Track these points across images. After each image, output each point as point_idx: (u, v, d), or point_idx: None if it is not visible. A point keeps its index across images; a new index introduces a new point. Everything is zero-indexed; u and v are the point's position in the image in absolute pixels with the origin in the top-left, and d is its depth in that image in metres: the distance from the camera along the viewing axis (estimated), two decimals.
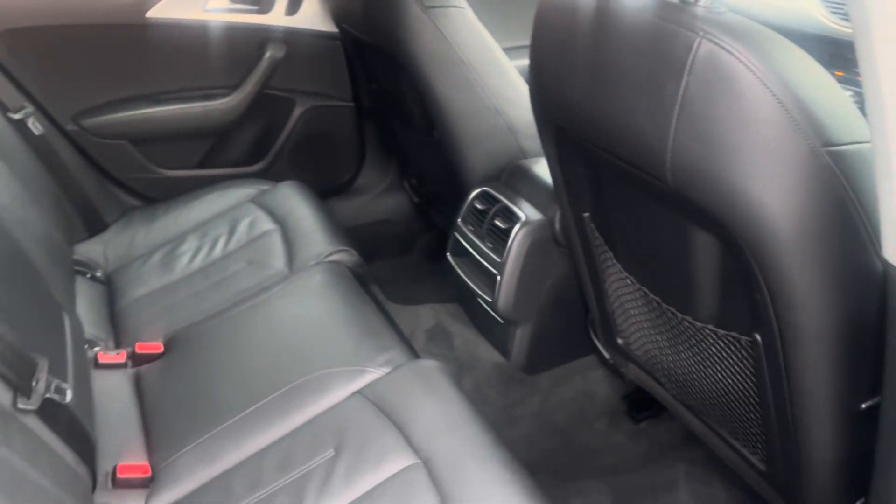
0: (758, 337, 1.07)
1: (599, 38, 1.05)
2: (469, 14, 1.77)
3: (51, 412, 1.20)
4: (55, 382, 1.22)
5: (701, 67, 0.89)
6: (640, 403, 1.81)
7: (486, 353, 1.83)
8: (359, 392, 1.41)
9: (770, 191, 0.89)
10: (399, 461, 1.25)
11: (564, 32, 1.13)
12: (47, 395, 1.18)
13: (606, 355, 1.63)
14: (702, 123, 0.91)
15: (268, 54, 2.26)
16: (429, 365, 1.45)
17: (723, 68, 0.87)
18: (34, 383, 1.17)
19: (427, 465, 1.23)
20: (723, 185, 0.92)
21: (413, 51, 1.71)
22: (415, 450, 1.26)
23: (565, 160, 1.35)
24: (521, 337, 1.73)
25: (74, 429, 1.25)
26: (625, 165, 1.10)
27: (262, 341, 1.59)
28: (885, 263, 0.78)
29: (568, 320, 1.70)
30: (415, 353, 1.54)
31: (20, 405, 1.13)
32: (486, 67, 1.73)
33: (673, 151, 0.96)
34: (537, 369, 1.81)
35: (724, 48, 0.87)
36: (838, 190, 0.87)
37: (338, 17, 2.13)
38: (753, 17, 0.94)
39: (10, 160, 1.83)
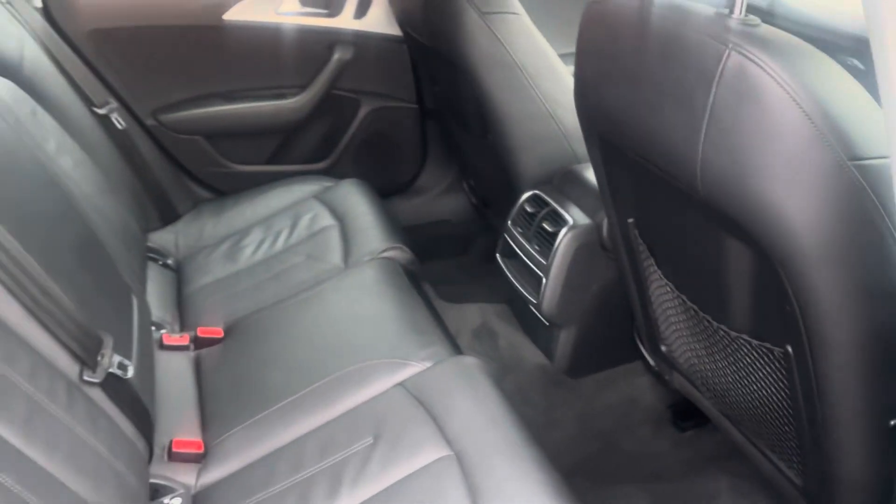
0: (789, 348, 1.07)
1: (636, 48, 1.07)
2: (525, 20, 1.80)
3: (113, 386, 1.29)
4: (119, 359, 1.31)
5: (730, 79, 0.90)
6: (686, 413, 1.80)
7: (531, 354, 1.85)
8: (400, 384, 1.46)
9: (796, 202, 0.89)
10: (433, 452, 1.29)
11: (606, 41, 1.15)
12: (111, 370, 1.28)
13: (651, 362, 1.63)
14: (730, 134, 0.92)
15: (336, 56, 2.34)
16: (469, 362, 1.49)
17: (751, 80, 0.88)
18: (99, 358, 1.27)
19: (459, 457, 1.27)
20: (749, 196, 0.93)
21: (470, 55, 1.76)
22: (449, 442, 1.30)
23: (610, 166, 1.36)
24: (564, 339, 1.75)
25: (135, 403, 1.35)
26: (660, 173, 1.11)
27: (313, 332, 1.67)
28: None
29: (613, 325, 1.71)
30: (458, 350, 1.58)
31: (85, 377, 1.23)
32: (540, 73, 1.76)
33: (702, 161, 0.97)
34: (581, 373, 1.83)
35: (752, 60, 0.88)
36: (865, 203, 0.86)
37: (402, 22, 2.19)
38: (806, 20, 0.94)
39: (93, 152, 1.97)
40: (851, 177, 0.86)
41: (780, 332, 1.07)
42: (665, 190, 1.16)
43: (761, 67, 0.87)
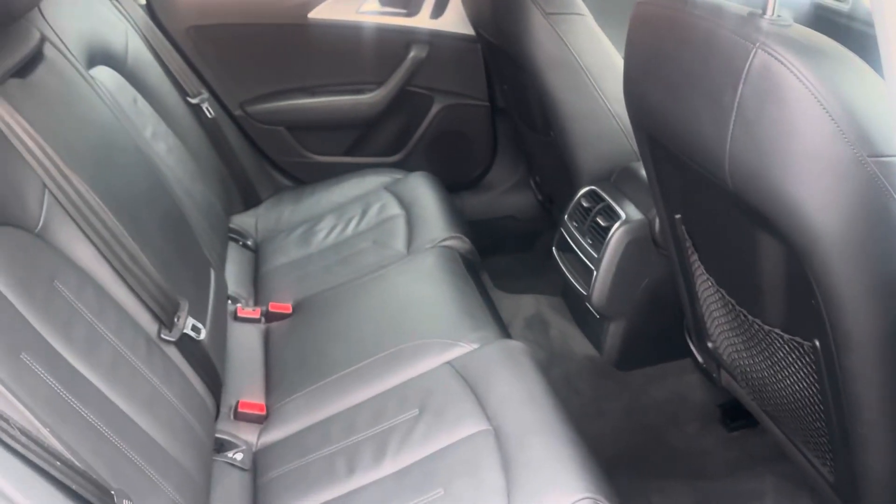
0: (816, 343, 1.09)
1: (676, 46, 1.11)
2: (590, 21, 1.85)
3: (187, 346, 1.43)
4: (193, 322, 1.46)
5: (755, 77, 0.94)
6: (736, 413, 1.81)
7: (581, 345, 1.90)
8: (448, 363, 1.54)
9: (816, 197, 0.93)
10: (472, 426, 1.37)
11: (651, 39, 1.20)
12: (185, 331, 1.42)
13: (700, 359, 1.66)
14: (755, 130, 0.96)
15: (412, 54, 2.45)
16: (515, 345, 1.56)
17: (775, 78, 0.92)
18: (176, 319, 1.41)
19: (497, 432, 1.35)
20: (773, 190, 0.97)
21: (534, 55, 1.82)
22: (488, 418, 1.38)
23: (657, 162, 1.41)
24: (614, 332, 1.79)
25: (206, 364, 1.49)
26: (697, 167, 1.16)
27: (372, 311, 1.78)
28: None
29: (664, 321, 1.74)
30: (507, 335, 1.66)
31: (163, 335, 1.38)
32: (603, 73, 1.81)
33: (730, 156, 1.02)
34: (629, 366, 1.86)
35: (777, 59, 0.92)
36: (884, 199, 0.89)
37: (474, 22, 2.28)
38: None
39: (185, 138, 2.15)
40: (870, 173, 0.89)
41: (809, 326, 1.10)
42: (705, 185, 1.20)
43: (785, 66, 0.91)
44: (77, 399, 1.07)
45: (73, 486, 0.88)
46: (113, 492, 0.95)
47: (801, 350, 1.16)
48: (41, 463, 0.85)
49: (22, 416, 0.88)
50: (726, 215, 1.21)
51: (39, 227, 1.22)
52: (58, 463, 0.87)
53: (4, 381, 0.89)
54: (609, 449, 1.78)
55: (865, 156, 0.88)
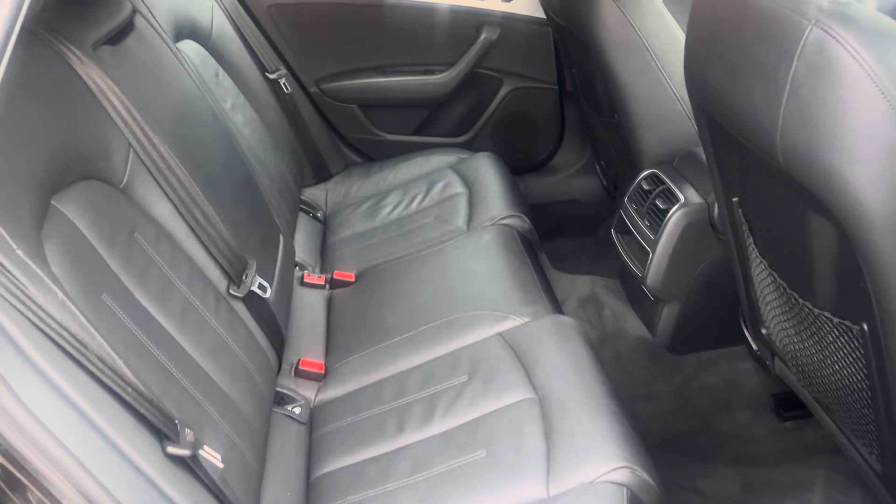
0: (864, 326, 1.09)
1: (735, 23, 1.12)
2: (657, 3, 1.84)
3: (253, 303, 1.52)
4: (260, 280, 1.54)
5: (810, 53, 0.95)
6: (789, 403, 1.80)
7: (634, 327, 1.91)
8: (499, 334, 1.59)
9: (866, 176, 0.93)
10: (518, 394, 1.41)
11: (710, 18, 1.21)
12: (252, 289, 1.51)
13: (754, 346, 1.65)
14: (807, 107, 0.97)
15: (483, 36, 2.48)
16: (565, 321, 1.59)
17: (829, 55, 0.92)
18: (244, 277, 1.50)
19: (542, 401, 1.39)
20: (823, 168, 0.97)
21: (601, 36, 1.83)
22: (534, 387, 1.42)
23: (716, 143, 1.41)
24: (667, 315, 1.79)
25: (270, 321, 1.58)
26: (751, 147, 1.16)
27: (430, 283, 1.83)
28: None
29: (719, 306, 1.73)
30: (559, 311, 1.69)
31: (231, 291, 1.47)
32: (668, 55, 1.80)
33: (782, 133, 1.02)
34: (682, 350, 1.86)
35: (832, 36, 0.92)
36: None
37: (545, 5, 2.30)
38: None
39: (262, 112, 2.25)
40: None
41: (857, 309, 1.09)
42: (760, 166, 1.20)
43: (840, 43, 0.91)
44: (150, 339, 1.17)
45: (142, 410, 0.96)
46: (177, 421, 1.04)
47: (849, 334, 1.16)
48: (113, 386, 0.93)
49: (100, 346, 0.97)
50: (780, 197, 1.21)
51: (124, 183, 1.32)
52: (129, 389, 0.96)
53: (86, 314, 0.98)
54: (657, 430, 1.79)
55: None
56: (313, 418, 1.58)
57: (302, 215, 2.30)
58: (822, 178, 0.99)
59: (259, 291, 1.53)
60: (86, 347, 0.91)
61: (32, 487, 0.80)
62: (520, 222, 2.01)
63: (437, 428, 1.41)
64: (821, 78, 0.94)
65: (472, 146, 2.60)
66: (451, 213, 2.12)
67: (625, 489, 1.19)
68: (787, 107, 1.00)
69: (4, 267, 0.86)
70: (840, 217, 0.99)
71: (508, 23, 2.47)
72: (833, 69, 0.92)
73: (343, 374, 1.65)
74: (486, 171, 2.28)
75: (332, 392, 1.62)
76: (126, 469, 0.91)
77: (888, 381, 1.08)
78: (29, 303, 0.85)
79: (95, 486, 0.83)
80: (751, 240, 1.43)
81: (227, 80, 2.12)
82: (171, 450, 1.00)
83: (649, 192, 1.81)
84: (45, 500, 0.81)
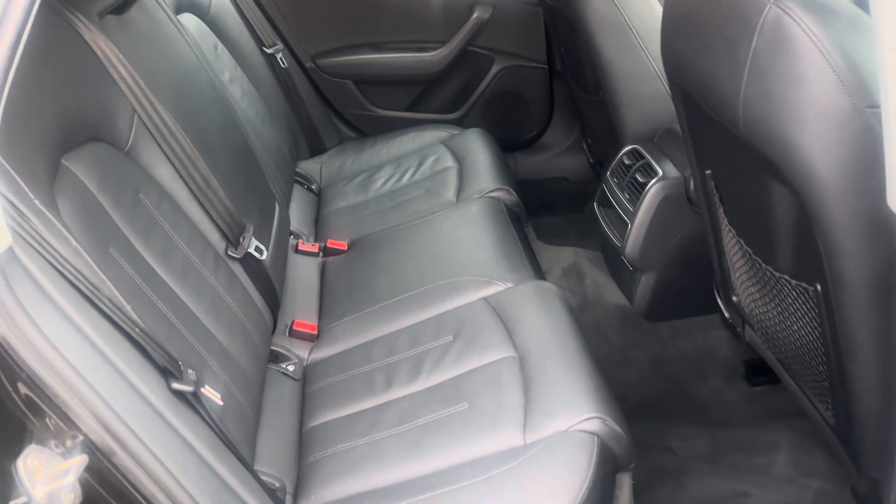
0: (818, 286, 1.18)
1: (704, 3, 1.20)
2: None
3: (250, 265, 1.60)
4: (257, 244, 1.62)
5: (768, 31, 1.03)
6: (759, 370, 1.88)
7: (613, 296, 1.99)
8: (484, 298, 1.67)
9: (816, 143, 1.01)
10: (500, 352, 1.50)
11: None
12: (249, 251, 1.59)
13: (726, 314, 1.74)
14: (766, 80, 1.05)
15: (475, 15, 2.55)
16: (547, 286, 1.68)
17: (785, 32, 1.00)
18: (241, 240, 1.58)
19: (522, 359, 1.47)
20: (780, 137, 1.05)
21: (586, 16, 1.90)
22: (515, 346, 1.51)
23: (691, 118, 1.49)
24: (645, 284, 1.88)
25: (266, 282, 1.66)
26: (718, 119, 1.24)
27: (419, 251, 1.92)
28: (889, 212, 0.89)
29: (694, 276, 1.82)
30: (542, 278, 1.77)
31: (229, 252, 1.55)
32: (652, 35, 1.87)
33: (743, 105, 1.10)
34: (658, 317, 1.95)
35: (789, 15, 1.00)
36: (878, 147, 0.97)
37: None
38: None
39: (259, 85, 2.32)
40: (866, 122, 0.96)
41: (812, 270, 1.18)
42: (727, 137, 1.28)
43: (795, 21, 0.99)
44: (154, 292, 1.25)
45: (148, 349, 1.05)
46: (180, 362, 1.12)
47: (805, 295, 1.24)
48: (123, 325, 1.01)
49: (110, 291, 1.05)
50: (746, 167, 1.30)
51: (129, 146, 1.40)
52: (137, 329, 1.04)
53: (96, 263, 1.06)
54: (635, 395, 1.88)
55: (863, 106, 0.96)
56: (306, 375, 1.66)
57: (297, 187, 2.38)
58: (778, 146, 1.07)
59: (255, 254, 1.61)
60: (98, 289, 0.99)
61: (51, 412, 0.88)
62: (507, 195, 2.09)
63: (423, 384, 1.50)
64: (777, 53, 1.02)
65: (463, 123, 2.67)
66: (442, 185, 2.20)
67: (596, 438, 1.28)
68: (748, 80, 1.08)
69: (24, 214, 0.94)
70: (795, 183, 1.08)
71: (500, 2, 2.54)
72: (788, 45, 1.00)
73: (335, 334, 1.73)
74: (477, 146, 2.35)
75: (324, 351, 1.71)
76: (135, 399, 0.99)
77: (839, 339, 1.17)
78: (47, 246, 0.93)
79: (108, 410, 0.91)
80: (722, 210, 1.52)
81: (225, 54, 2.19)
82: (176, 385, 1.08)
83: (630, 166, 1.90)
84: (62, 424, 0.89)
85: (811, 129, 1.01)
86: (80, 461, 0.86)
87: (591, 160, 2.61)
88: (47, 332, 0.88)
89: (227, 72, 2.15)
